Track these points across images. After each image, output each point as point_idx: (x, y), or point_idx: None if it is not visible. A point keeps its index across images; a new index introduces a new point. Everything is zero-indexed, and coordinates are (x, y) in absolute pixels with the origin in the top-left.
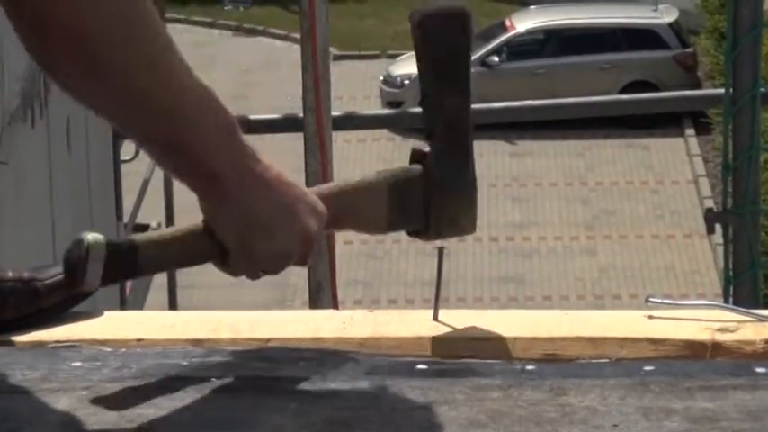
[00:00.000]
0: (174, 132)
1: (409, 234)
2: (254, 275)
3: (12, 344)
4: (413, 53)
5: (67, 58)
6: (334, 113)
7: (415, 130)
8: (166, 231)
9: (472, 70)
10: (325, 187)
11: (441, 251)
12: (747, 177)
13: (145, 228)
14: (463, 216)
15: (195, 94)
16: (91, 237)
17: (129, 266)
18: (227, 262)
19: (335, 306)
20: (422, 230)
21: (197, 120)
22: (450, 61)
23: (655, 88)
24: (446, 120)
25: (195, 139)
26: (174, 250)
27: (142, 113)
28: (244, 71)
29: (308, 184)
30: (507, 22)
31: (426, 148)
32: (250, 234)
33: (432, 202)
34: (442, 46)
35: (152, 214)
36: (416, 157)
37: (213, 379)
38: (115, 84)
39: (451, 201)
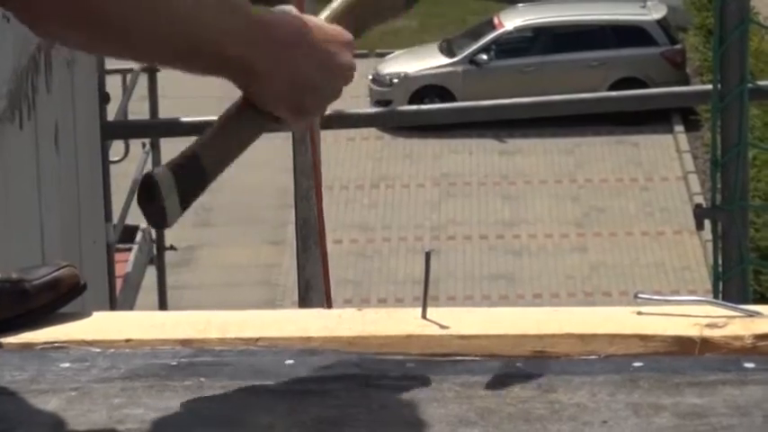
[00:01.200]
0: (187, 49)
1: None
2: (308, 123)
3: (0, 345)
4: (401, 52)
5: (67, 20)
6: None
7: (403, 129)
8: (212, 128)
9: (460, 69)
10: (333, 9)
11: (428, 255)
12: (736, 173)
13: (134, 229)
14: None
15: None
16: (158, 170)
17: (199, 179)
18: (280, 123)
19: (329, 306)
20: None
21: (209, 27)
22: None
23: (643, 85)
24: None
25: (212, 45)
26: (229, 140)
27: (155, 32)
28: None
29: (296, 184)
30: (496, 20)
31: None
32: (296, 98)
33: None
34: None
35: (141, 215)
36: None
37: (202, 379)
38: (116, 31)
39: None
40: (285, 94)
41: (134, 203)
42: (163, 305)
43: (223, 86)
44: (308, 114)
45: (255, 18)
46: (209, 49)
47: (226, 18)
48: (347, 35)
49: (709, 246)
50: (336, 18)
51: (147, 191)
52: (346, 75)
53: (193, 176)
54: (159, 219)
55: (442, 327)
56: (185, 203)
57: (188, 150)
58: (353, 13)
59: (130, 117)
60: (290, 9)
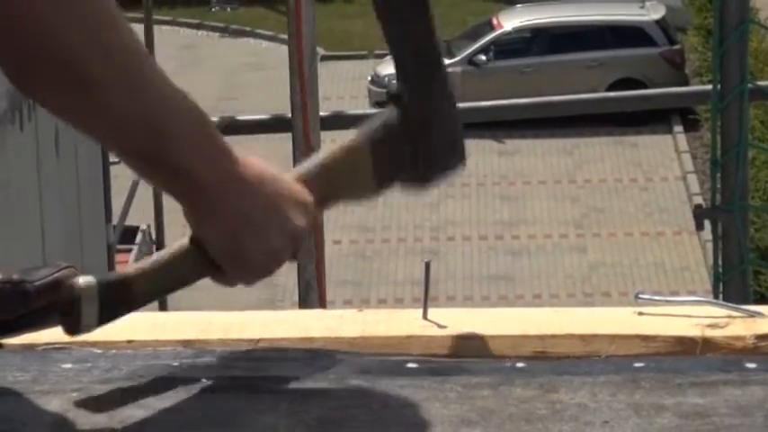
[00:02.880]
0: (151, 143)
1: (403, 189)
2: (248, 281)
3: (1, 346)
4: None
5: (42, 74)
6: (322, 113)
7: None
8: (155, 258)
9: (459, 69)
10: (305, 168)
11: (427, 265)
12: (736, 173)
13: (134, 230)
14: (452, 152)
15: (174, 104)
16: (82, 280)
17: (124, 302)
18: (220, 273)
19: (323, 306)
20: (414, 178)
21: (176, 130)
22: None
23: (642, 85)
24: (414, 50)
25: (174, 148)
26: (166, 276)
27: (119, 125)
28: (231, 72)
29: None
30: (494, 21)
31: (401, 90)
32: (238, 238)
33: (418, 146)
34: None
35: (141, 216)
36: (392, 99)
37: (204, 380)
38: (91, 96)
39: (438, 138)
40: (227, 229)
41: (134, 204)
42: (163, 306)
43: (215, 90)
44: (246, 265)
45: (225, 146)
46: (173, 153)
47: (197, 131)
48: (308, 198)
49: (709, 246)
50: (307, 179)
51: (67, 297)
52: (294, 234)
53: (118, 299)
54: (73, 327)
55: (443, 327)
56: (101, 321)
57: (126, 275)
58: (325, 181)
59: None
60: (260, 160)
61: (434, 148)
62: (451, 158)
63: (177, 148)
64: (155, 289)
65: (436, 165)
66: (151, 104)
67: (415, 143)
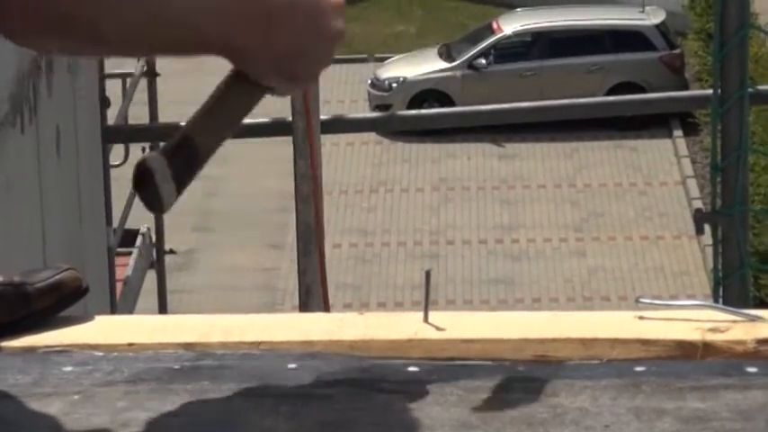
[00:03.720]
0: (164, 22)
1: None
2: (302, 87)
3: (2, 349)
4: (400, 56)
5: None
6: (322, 117)
7: (402, 133)
8: (204, 105)
9: (459, 73)
10: None
11: (428, 274)
12: (736, 178)
13: (134, 233)
14: None
15: None
16: (148, 158)
17: (193, 161)
18: (274, 92)
19: (327, 310)
20: None
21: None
22: None
23: (642, 90)
24: None
25: (184, 19)
26: (222, 115)
27: (138, 27)
28: None
29: (297, 188)
30: (494, 25)
31: None
32: (288, 67)
33: None
34: None
35: (142, 219)
36: None
37: (205, 382)
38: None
39: None
40: (274, 65)
41: (134, 208)
42: (163, 309)
43: None
44: (301, 81)
45: None
46: (187, 34)
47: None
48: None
49: (709, 250)
50: None
51: (141, 178)
52: (337, 39)
53: (187, 159)
54: (156, 204)
55: (444, 331)
56: (181, 187)
57: (181, 132)
58: None
59: (130, 121)
60: None
61: None
62: None
63: (192, 25)
64: (215, 134)
65: None
66: (149, 5)
67: None
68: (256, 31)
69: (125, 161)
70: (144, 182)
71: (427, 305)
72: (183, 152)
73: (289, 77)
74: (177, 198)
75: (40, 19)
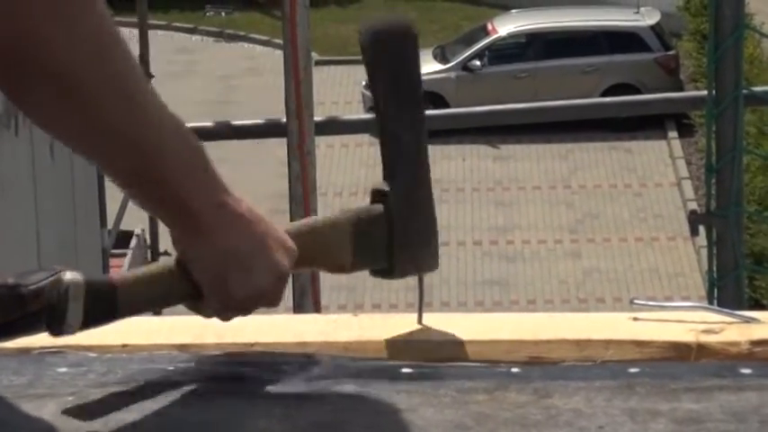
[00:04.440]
0: (147, 166)
1: (372, 274)
2: (225, 315)
3: None
4: None
5: (41, 91)
6: (316, 118)
7: None
8: (140, 271)
9: (454, 75)
10: (291, 226)
11: (420, 277)
12: (731, 179)
13: (129, 235)
14: (425, 255)
15: (170, 129)
16: (70, 276)
17: (109, 309)
18: (200, 302)
19: (318, 311)
20: (385, 270)
21: (171, 154)
22: (405, 82)
23: (637, 91)
24: (405, 155)
25: (169, 173)
26: (150, 291)
27: (115, 146)
28: (226, 77)
29: (291, 190)
30: (489, 26)
31: (386, 188)
32: (224, 268)
33: (394, 243)
34: (399, 65)
35: (136, 221)
36: (377, 197)
37: (198, 384)
38: (89, 116)
39: (414, 241)
40: (214, 260)
41: (129, 209)
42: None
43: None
44: (230, 298)
45: (218, 178)
46: (167, 177)
47: (190, 155)
48: (292, 244)
49: (703, 252)
50: (293, 235)
51: (56, 283)
52: (278, 273)
53: (102, 302)
54: (58, 324)
55: (438, 332)
56: (86, 323)
57: (112, 279)
58: (306, 244)
59: None
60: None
61: (410, 253)
62: (426, 259)
63: (171, 172)
64: (138, 302)
65: (409, 267)
66: (146, 128)
67: (392, 240)
68: (214, 216)
69: None
70: (57, 294)
71: (421, 308)
72: (103, 293)
73: (218, 281)
74: (76, 330)
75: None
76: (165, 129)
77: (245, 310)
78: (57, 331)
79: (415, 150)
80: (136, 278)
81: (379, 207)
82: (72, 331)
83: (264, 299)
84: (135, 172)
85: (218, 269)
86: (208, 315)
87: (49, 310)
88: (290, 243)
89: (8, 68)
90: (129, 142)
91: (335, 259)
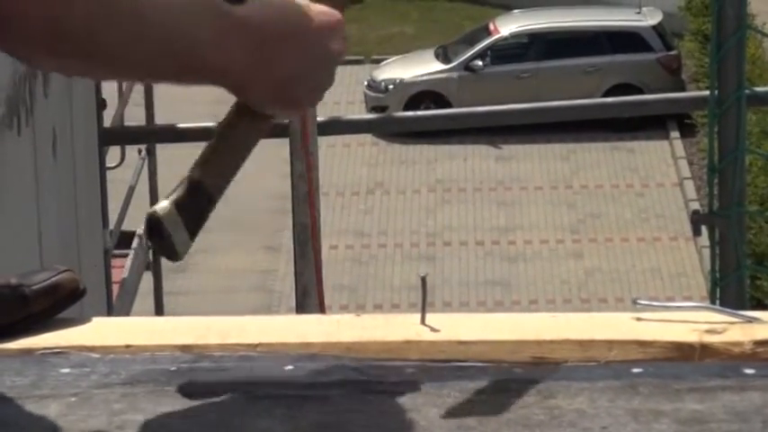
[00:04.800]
0: (171, 58)
1: None
2: (306, 109)
3: (0, 351)
4: (397, 58)
5: (46, 33)
6: (319, 118)
7: (399, 135)
8: (209, 144)
9: (456, 75)
10: None
11: (423, 280)
12: (733, 179)
13: (131, 235)
14: None
15: (178, 9)
16: (159, 209)
17: (204, 203)
18: (276, 119)
19: (323, 312)
20: None
21: (189, 34)
22: None
23: (639, 91)
24: None
25: (194, 54)
26: (228, 153)
27: (138, 54)
28: None
29: (293, 189)
30: (491, 26)
31: None
32: (287, 94)
33: None
34: None
35: (138, 221)
36: None
37: (202, 384)
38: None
39: None
40: (273, 93)
41: (131, 208)
42: (159, 311)
43: (213, 94)
44: (303, 106)
45: (230, 17)
46: (183, 60)
47: (196, 23)
48: (333, 15)
49: (705, 252)
50: None
51: (153, 228)
52: (335, 62)
53: (198, 204)
54: (171, 253)
55: (441, 332)
56: (194, 233)
57: (189, 176)
58: None
59: (127, 123)
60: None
61: None
62: None
63: (188, 53)
64: (224, 173)
65: None
66: (158, 21)
67: None
68: (253, 58)
69: (121, 163)
70: (156, 232)
71: (424, 308)
72: (193, 197)
73: (289, 104)
74: (191, 245)
75: (38, 35)
76: (173, 14)
77: (319, 100)
78: (174, 258)
79: None
80: (209, 156)
81: None
82: (188, 250)
83: (332, 80)
84: (148, 53)
85: (281, 95)
86: (284, 119)
87: (160, 249)
88: (329, 14)
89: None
90: (150, 46)
91: None
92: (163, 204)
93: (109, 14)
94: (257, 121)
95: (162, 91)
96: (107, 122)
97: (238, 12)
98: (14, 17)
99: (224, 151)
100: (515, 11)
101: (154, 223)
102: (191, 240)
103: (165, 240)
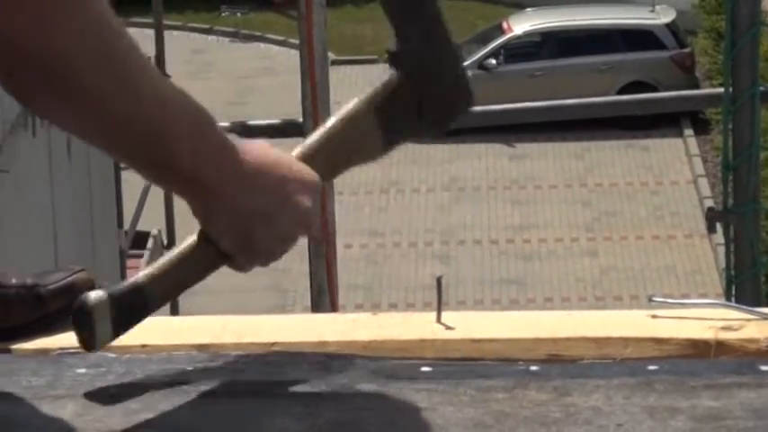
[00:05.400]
0: (153, 149)
1: (413, 138)
2: (262, 265)
3: (17, 351)
4: None
5: (39, 86)
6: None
7: None
8: (164, 259)
9: (470, 73)
10: (309, 143)
11: (439, 281)
12: (748, 176)
13: (146, 235)
14: (458, 93)
15: (173, 106)
16: (92, 296)
17: (138, 310)
18: (231, 262)
19: (336, 311)
20: (423, 128)
21: (175, 132)
22: None
23: (652, 89)
24: (407, 9)
25: (175, 151)
26: (178, 274)
27: (121, 134)
28: (242, 77)
29: None
30: (504, 25)
31: (397, 47)
32: (249, 230)
33: (422, 96)
34: None
35: (152, 221)
36: (390, 58)
37: (218, 383)
38: (92, 107)
39: (441, 83)
40: (237, 222)
41: (145, 209)
42: (175, 311)
43: (226, 95)
44: (258, 254)
45: (226, 142)
46: (175, 156)
47: (197, 132)
48: (313, 177)
49: (720, 249)
50: (309, 156)
51: (79, 314)
52: (301, 216)
53: (133, 306)
54: (88, 342)
55: (457, 331)
56: (119, 331)
57: (136, 278)
58: (331, 152)
59: None
60: (263, 143)
61: (439, 95)
62: (458, 101)
63: (178, 150)
64: (168, 290)
65: (444, 109)
66: (148, 109)
67: (419, 94)
68: (228, 181)
69: None
70: (81, 319)
71: (440, 307)
72: (131, 298)
73: (245, 241)
74: (111, 341)
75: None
76: (167, 107)
77: (279, 255)
78: (90, 348)
79: (417, 2)
80: (161, 268)
81: (394, 73)
82: (106, 344)
83: (294, 241)
84: (140, 154)
85: (242, 230)
86: (244, 270)
87: (77, 330)
88: (309, 176)
89: (3, 63)
90: (131, 125)
91: (368, 149)
92: (98, 294)
93: (120, 80)
94: (211, 256)
95: None
96: None
97: (236, 143)
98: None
99: (178, 269)
100: (528, 9)
101: (82, 310)
102: (112, 338)
103: (85, 329)
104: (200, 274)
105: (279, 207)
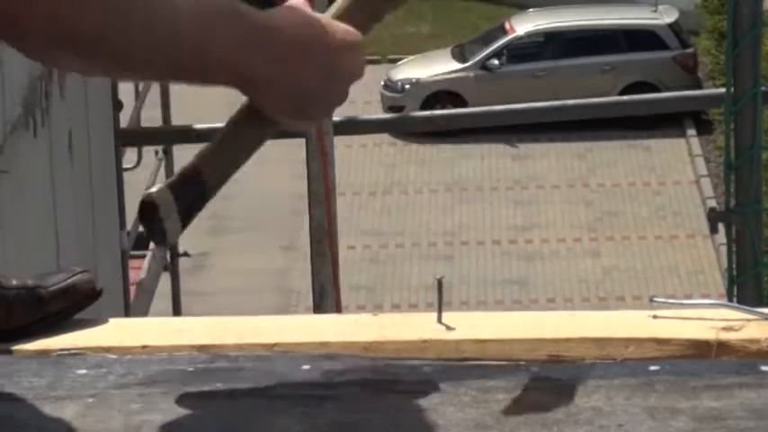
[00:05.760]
0: (189, 56)
1: None
2: (314, 124)
3: (17, 352)
4: (413, 57)
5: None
6: (335, 119)
7: (416, 135)
8: (215, 138)
9: (472, 74)
10: (341, 2)
11: (440, 282)
12: (750, 176)
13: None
14: None
15: (197, 8)
16: (155, 191)
17: (200, 194)
18: (284, 127)
19: (339, 311)
20: None
21: (205, 33)
22: None
23: (655, 89)
24: None
25: (209, 53)
26: (232, 150)
27: (150, 49)
28: None
29: (310, 190)
30: (507, 25)
31: None
32: (299, 105)
33: None
34: None
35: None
36: None
37: (218, 384)
38: (109, 22)
39: None
40: (288, 101)
41: None
42: (177, 311)
43: (228, 95)
44: (313, 120)
45: (257, 22)
46: (204, 59)
47: (224, 23)
48: (354, 35)
49: (723, 249)
50: (345, 14)
51: (146, 211)
52: (353, 78)
53: (194, 192)
54: (160, 238)
55: (458, 331)
56: (186, 221)
57: (190, 165)
58: (362, 7)
59: (143, 124)
60: (297, 6)
61: None
62: None
63: (212, 50)
64: (224, 168)
65: None
66: (188, 21)
67: None
68: (270, 64)
69: (138, 164)
70: (148, 215)
71: (441, 307)
72: (191, 186)
73: (300, 115)
74: (181, 232)
75: (47, 34)
76: (191, 10)
77: (332, 114)
78: (161, 243)
79: None
80: (215, 147)
81: None
82: (178, 237)
83: (345, 98)
84: (177, 64)
85: (293, 105)
86: (299, 127)
87: (149, 234)
88: (348, 33)
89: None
90: (160, 40)
91: None
92: (159, 189)
93: (121, 15)
94: (265, 125)
95: (178, 92)
96: (123, 123)
97: (264, 19)
98: (20, 15)
99: (229, 147)
100: (531, 10)
101: (148, 205)
102: (182, 228)
103: (156, 225)
104: (253, 147)
105: (327, 80)
